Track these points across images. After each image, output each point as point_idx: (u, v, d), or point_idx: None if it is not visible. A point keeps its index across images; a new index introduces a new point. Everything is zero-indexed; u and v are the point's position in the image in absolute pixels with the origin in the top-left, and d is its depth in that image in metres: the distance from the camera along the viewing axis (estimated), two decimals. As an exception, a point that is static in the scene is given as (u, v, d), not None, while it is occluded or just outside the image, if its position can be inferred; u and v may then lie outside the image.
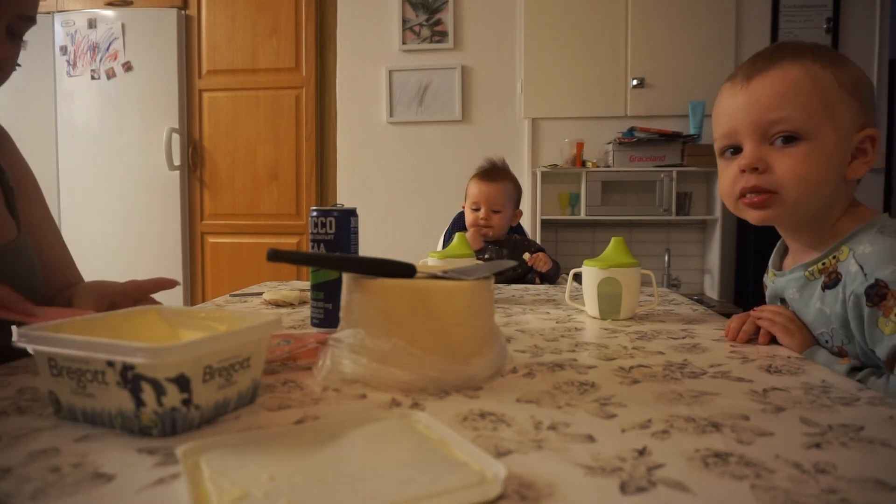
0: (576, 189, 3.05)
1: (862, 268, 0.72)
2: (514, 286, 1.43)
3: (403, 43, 3.24)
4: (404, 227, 3.28)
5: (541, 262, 1.63)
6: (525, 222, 2.60)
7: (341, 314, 0.63)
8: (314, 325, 0.86)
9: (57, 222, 0.96)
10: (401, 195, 3.31)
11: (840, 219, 0.79)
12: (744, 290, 2.96)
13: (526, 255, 1.65)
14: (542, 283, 1.66)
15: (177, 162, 3.33)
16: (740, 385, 0.59)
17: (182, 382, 0.44)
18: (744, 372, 0.64)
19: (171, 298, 3.03)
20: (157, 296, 0.80)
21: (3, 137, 0.88)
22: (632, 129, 2.98)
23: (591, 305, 0.98)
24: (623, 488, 0.36)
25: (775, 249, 0.91)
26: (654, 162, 2.95)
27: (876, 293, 0.69)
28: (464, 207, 1.84)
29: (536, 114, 3.16)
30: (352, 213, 0.86)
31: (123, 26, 3.31)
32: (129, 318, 0.57)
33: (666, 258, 3.00)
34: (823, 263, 0.78)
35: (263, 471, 0.36)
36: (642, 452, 0.42)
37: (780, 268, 0.88)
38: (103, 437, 0.44)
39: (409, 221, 3.29)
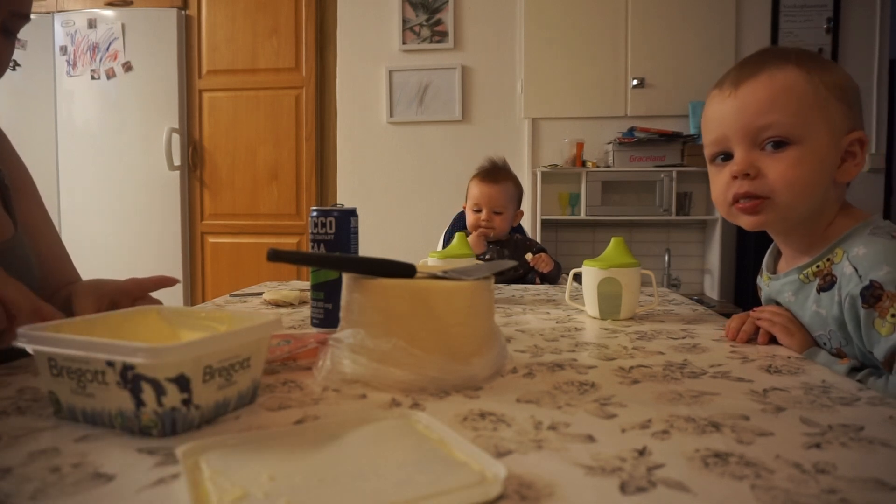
0: (576, 189, 3.05)
1: (856, 269, 0.72)
2: (514, 286, 1.43)
3: (403, 43, 3.24)
4: (404, 227, 3.28)
5: (543, 263, 1.63)
6: (525, 222, 2.60)
7: (341, 314, 0.63)
8: (314, 325, 0.86)
9: (57, 222, 0.96)
10: (401, 195, 3.31)
11: (832, 222, 0.80)
12: (744, 290, 2.96)
13: (528, 256, 1.65)
14: (542, 283, 1.66)
15: (177, 162, 3.33)
16: (740, 385, 0.59)
17: (182, 382, 0.44)
18: (744, 372, 0.64)
19: (171, 298, 3.03)
20: (157, 295, 0.80)
21: (0, 136, 0.88)
22: (632, 129, 2.98)
23: (591, 305, 0.98)
24: (623, 488, 0.36)
25: (768, 252, 0.91)
26: (654, 162, 2.95)
27: (871, 294, 0.69)
28: (464, 208, 1.84)
29: (536, 114, 3.16)
30: (352, 213, 0.86)
31: (123, 26, 3.31)
32: (129, 318, 0.57)
33: (666, 258, 3.00)
34: (818, 266, 0.78)
35: (263, 471, 0.36)
36: (642, 452, 0.42)
37: (773, 271, 0.88)
38: (103, 437, 0.44)
39: (409, 221, 3.29)
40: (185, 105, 3.37)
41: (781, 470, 0.39)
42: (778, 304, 0.85)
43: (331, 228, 0.84)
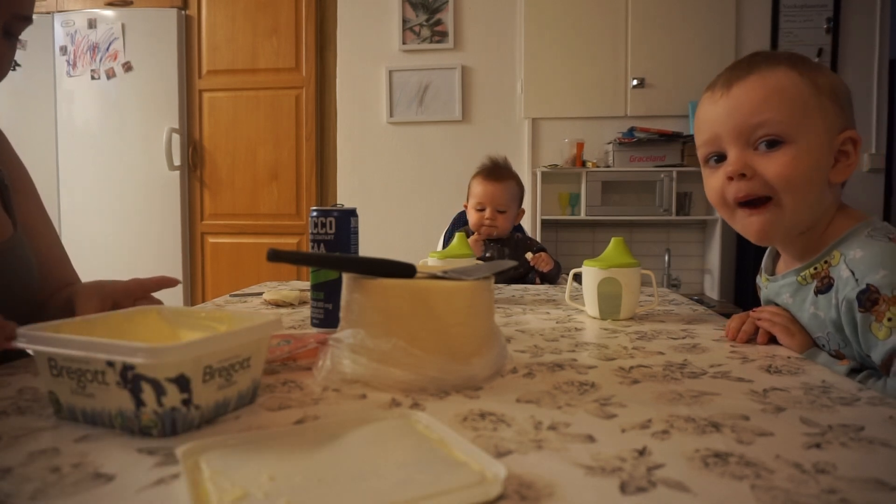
0: (576, 189, 3.05)
1: (853, 273, 0.71)
2: (514, 286, 1.43)
3: (403, 43, 3.24)
4: (404, 227, 3.28)
5: (543, 262, 1.63)
6: (525, 222, 2.60)
7: (341, 314, 0.63)
8: (314, 325, 0.86)
9: (57, 222, 0.96)
10: (401, 195, 3.31)
11: (830, 223, 0.79)
12: (744, 290, 2.96)
13: (528, 255, 1.65)
14: (542, 283, 1.66)
15: (177, 162, 3.33)
16: (740, 385, 0.59)
17: (182, 382, 0.44)
18: (744, 372, 0.64)
19: (171, 298, 3.03)
20: (157, 295, 0.80)
21: (0, 136, 0.87)
22: (632, 129, 2.98)
23: (591, 305, 0.98)
24: (623, 488, 0.36)
25: (767, 253, 0.90)
26: (654, 162, 2.95)
27: (868, 298, 0.69)
28: (465, 207, 1.83)
29: (536, 114, 3.16)
30: (352, 213, 0.86)
31: (123, 26, 3.31)
32: (129, 318, 0.57)
33: (666, 258, 3.00)
34: (815, 268, 0.78)
35: (263, 471, 0.36)
36: (642, 452, 0.42)
37: (772, 272, 0.88)
38: (103, 437, 0.44)
39: (409, 221, 3.29)
40: (185, 105, 3.37)
41: (781, 470, 0.39)
42: (776, 305, 0.85)
43: (331, 228, 0.84)
